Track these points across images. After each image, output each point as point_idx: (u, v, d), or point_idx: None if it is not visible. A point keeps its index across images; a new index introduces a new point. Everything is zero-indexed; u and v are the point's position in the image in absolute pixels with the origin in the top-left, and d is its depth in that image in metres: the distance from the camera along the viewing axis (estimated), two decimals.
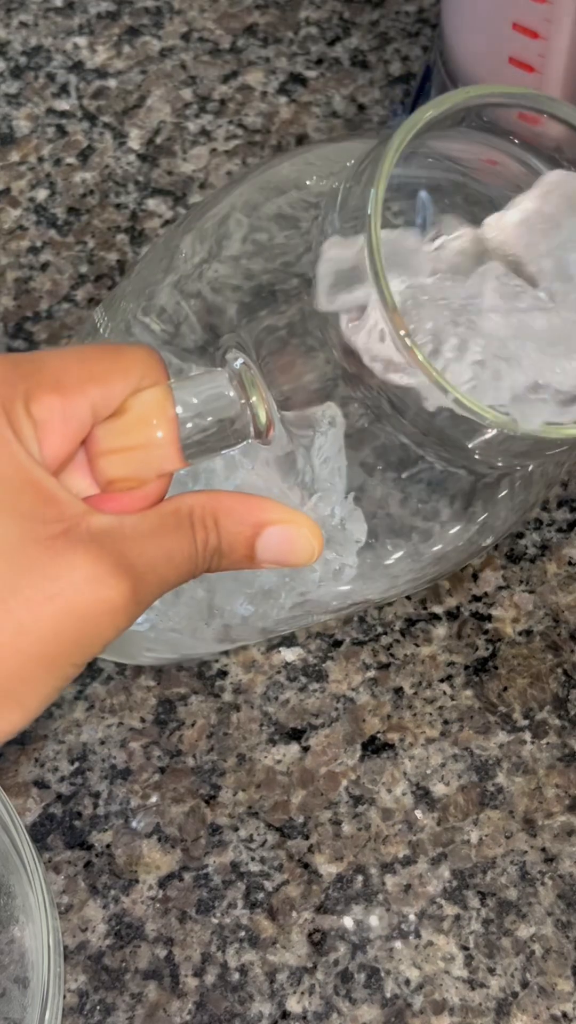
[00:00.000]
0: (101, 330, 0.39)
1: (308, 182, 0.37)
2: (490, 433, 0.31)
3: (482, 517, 0.38)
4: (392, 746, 0.47)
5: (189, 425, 0.32)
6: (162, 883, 0.45)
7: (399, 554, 0.39)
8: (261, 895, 0.44)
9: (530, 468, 0.37)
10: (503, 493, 0.38)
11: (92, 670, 0.48)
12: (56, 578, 0.29)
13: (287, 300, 0.35)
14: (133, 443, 0.32)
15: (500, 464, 0.34)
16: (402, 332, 0.30)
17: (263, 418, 0.33)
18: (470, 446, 0.32)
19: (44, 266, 0.57)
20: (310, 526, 0.33)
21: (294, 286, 0.35)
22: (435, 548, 0.39)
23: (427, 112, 0.33)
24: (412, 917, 0.44)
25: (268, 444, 0.34)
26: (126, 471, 0.32)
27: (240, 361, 0.33)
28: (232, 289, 0.36)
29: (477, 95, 0.33)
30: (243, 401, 0.33)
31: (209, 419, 0.32)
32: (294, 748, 0.46)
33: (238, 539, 0.32)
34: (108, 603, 0.30)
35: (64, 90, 0.61)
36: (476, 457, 0.33)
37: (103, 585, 0.30)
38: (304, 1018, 0.43)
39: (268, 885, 0.44)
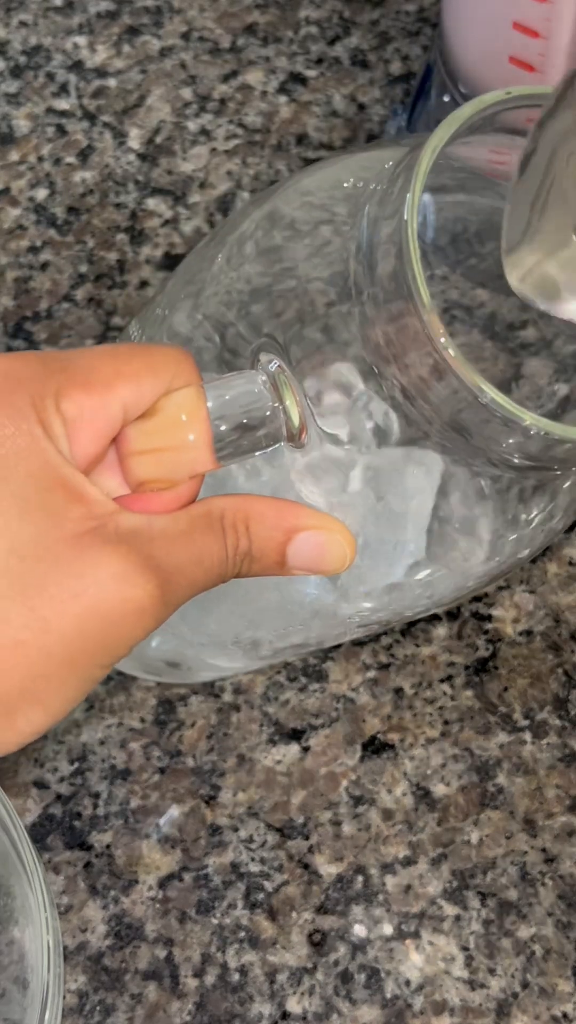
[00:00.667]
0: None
1: (345, 184, 0.36)
2: (526, 434, 0.31)
3: (517, 533, 0.38)
4: (392, 746, 0.47)
5: (223, 427, 0.32)
6: (162, 883, 0.45)
7: (440, 571, 0.38)
8: (261, 895, 0.44)
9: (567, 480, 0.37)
10: (539, 506, 0.38)
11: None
12: (81, 576, 0.29)
13: (319, 304, 0.35)
14: (164, 444, 0.31)
15: (537, 467, 0.34)
16: (440, 333, 0.30)
17: (296, 420, 0.33)
18: (504, 445, 0.32)
19: (44, 266, 0.57)
20: (343, 532, 0.32)
21: (323, 289, 0.35)
22: (478, 564, 0.38)
23: (465, 111, 0.32)
24: (412, 917, 0.44)
25: (301, 447, 0.34)
26: (157, 472, 0.31)
27: (274, 363, 0.33)
28: (265, 295, 0.36)
29: (517, 95, 0.33)
30: (276, 404, 0.32)
31: (243, 420, 0.32)
32: (294, 748, 0.46)
33: (269, 544, 0.32)
34: (135, 602, 0.29)
35: (64, 89, 0.61)
36: (515, 460, 0.33)
37: (130, 584, 0.29)
38: (304, 1019, 0.43)
39: (268, 885, 0.44)
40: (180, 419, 0.31)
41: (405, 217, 0.31)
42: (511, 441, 0.31)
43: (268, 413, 0.32)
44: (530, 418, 0.30)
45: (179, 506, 0.32)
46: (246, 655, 0.41)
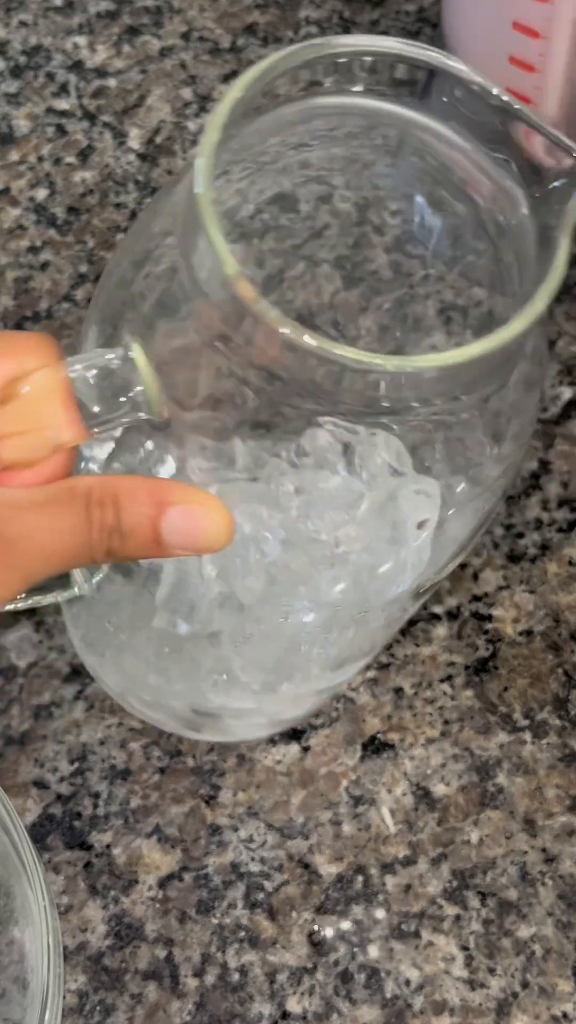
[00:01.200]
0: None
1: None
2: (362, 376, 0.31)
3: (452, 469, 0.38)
4: (392, 746, 0.47)
5: (86, 402, 0.32)
6: (162, 883, 0.45)
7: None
8: (261, 895, 0.44)
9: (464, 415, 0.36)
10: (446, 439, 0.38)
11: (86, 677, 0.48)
12: None
13: (173, 301, 0.35)
14: (28, 426, 0.32)
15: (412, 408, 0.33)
16: (251, 298, 0.30)
17: (153, 393, 0.33)
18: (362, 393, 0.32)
19: (44, 265, 0.57)
20: (216, 507, 0.32)
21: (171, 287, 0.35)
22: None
23: (269, 61, 0.33)
24: (412, 917, 0.44)
25: (163, 422, 0.34)
26: (22, 453, 0.32)
27: (131, 346, 0.33)
28: (132, 302, 0.37)
29: (326, 45, 0.33)
30: (133, 377, 0.33)
31: (105, 394, 0.32)
32: (294, 748, 0.46)
33: (140, 520, 0.32)
34: None
35: (64, 89, 0.61)
36: (384, 405, 0.32)
37: None
38: (304, 1018, 0.43)
39: (268, 885, 0.44)
40: (40, 398, 0.32)
41: (197, 190, 0.31)
42: (350, 385, 0.31)
43: (128, 384, 0.32)
44: (342, 350, 0.30)
45: (42, 481, 0.32)
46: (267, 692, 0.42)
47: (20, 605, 0.40)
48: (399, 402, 0.32)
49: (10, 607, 0.39)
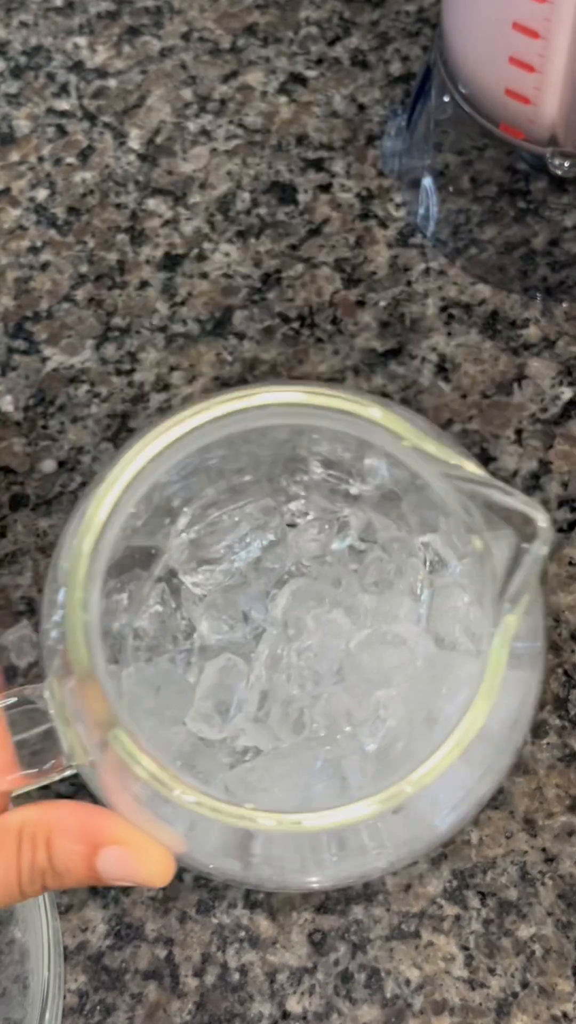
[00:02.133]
0: None
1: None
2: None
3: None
4: None
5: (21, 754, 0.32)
6: None
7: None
8: (261, 895, 0.44)
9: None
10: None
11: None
12: None
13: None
14: None
15: None
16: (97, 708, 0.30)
17: (73, 743, 0.32)
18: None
19: (44, 266, 0.57)
20: (152, 850, 0.31)
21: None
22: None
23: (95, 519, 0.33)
24: (412, 917, 0.44)
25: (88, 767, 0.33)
26: None
27: (43, 691, 0.33)
28: None
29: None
30: (50, 728, 0.32)
31: (34, 744, 0.32)
32: None
33: (73, 858, 0.31)
34: None
35: (64, 90, 0.61)
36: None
37: None
38: (304, 1018, 0.43)
39: None
40: None
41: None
42: None
43: (50, 736, 0.32)
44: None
45: None
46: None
47: None
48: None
49: None
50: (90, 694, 0.30)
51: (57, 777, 0.32)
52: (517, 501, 0.30)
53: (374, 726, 0.37)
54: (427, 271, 0.56)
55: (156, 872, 0.31)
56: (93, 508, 0.33)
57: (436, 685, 0.37)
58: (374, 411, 0.34)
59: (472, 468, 0.32)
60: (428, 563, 0.38)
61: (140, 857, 0.31)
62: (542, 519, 0.30)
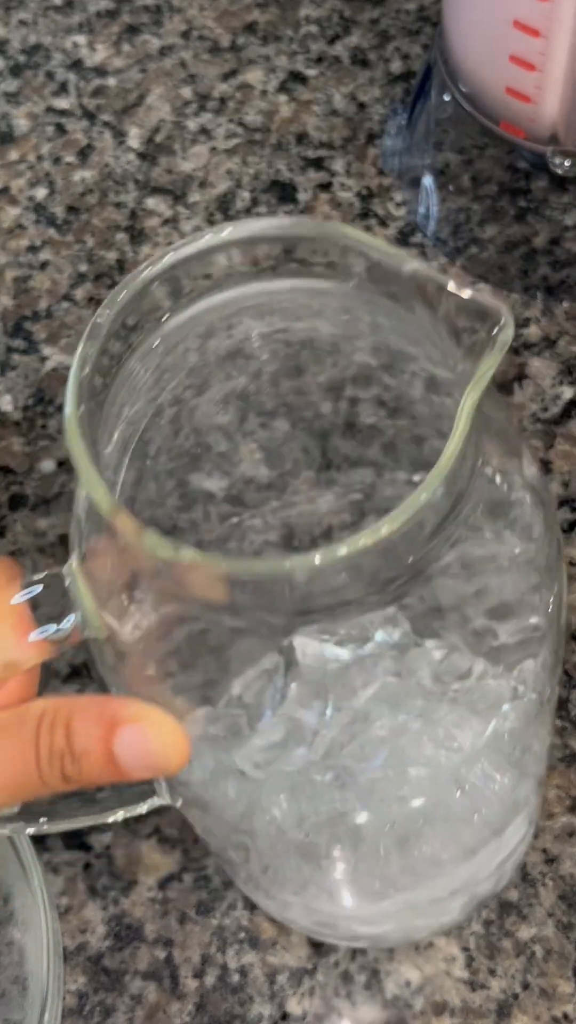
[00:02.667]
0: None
1: None
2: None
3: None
4: None
5: (40, 624, 0.31)
6: (162, 884, 0.44)
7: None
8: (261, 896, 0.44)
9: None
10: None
11: (93, 670, 0.48)
12: None
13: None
14: None
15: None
16: (129, 525, 0.29)
17: (91, 612, 0.32)
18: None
19: (43, 265, 0.57)
20: (169, 726, 0.31)
21: None
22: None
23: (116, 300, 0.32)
24: None
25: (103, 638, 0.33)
26: None
27: (71, 565, 0.32)
28: None
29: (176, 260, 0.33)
30: (73, 600, 0.32)
31: (52, 612, 0.31)
32: None
33: (91, 741, 0.31)
34: None
35: (63, 88, 0.61)
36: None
37: None
38: (304, 1019, 0.42)
39: None
40: None
41: (67, 411, 0.31)
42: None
43: (70, 605, 0.32)
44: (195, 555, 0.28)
45: (9, 702, 0.32)
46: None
47: (109, 819, 0.38)
48: (334, 596, 0.30)
49: (76, 825, 0.37)
50: (123, 526, 0.30)
51: (71, 647, 0.32)
52: (483, 296, 0.31)
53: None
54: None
55: (169, 750, 0.31)
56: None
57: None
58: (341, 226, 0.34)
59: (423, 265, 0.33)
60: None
61: (155, 731, 0.31)
62: (505, 311, 0.30)
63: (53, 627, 0.31)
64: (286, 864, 0.39)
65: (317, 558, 0.27)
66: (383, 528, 0.27)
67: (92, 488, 0.30)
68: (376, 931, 0.42)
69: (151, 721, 0.31)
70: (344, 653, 0.39)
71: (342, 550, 0.27)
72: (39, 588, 0.31)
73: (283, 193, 0.58)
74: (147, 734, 0.31)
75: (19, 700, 0.32)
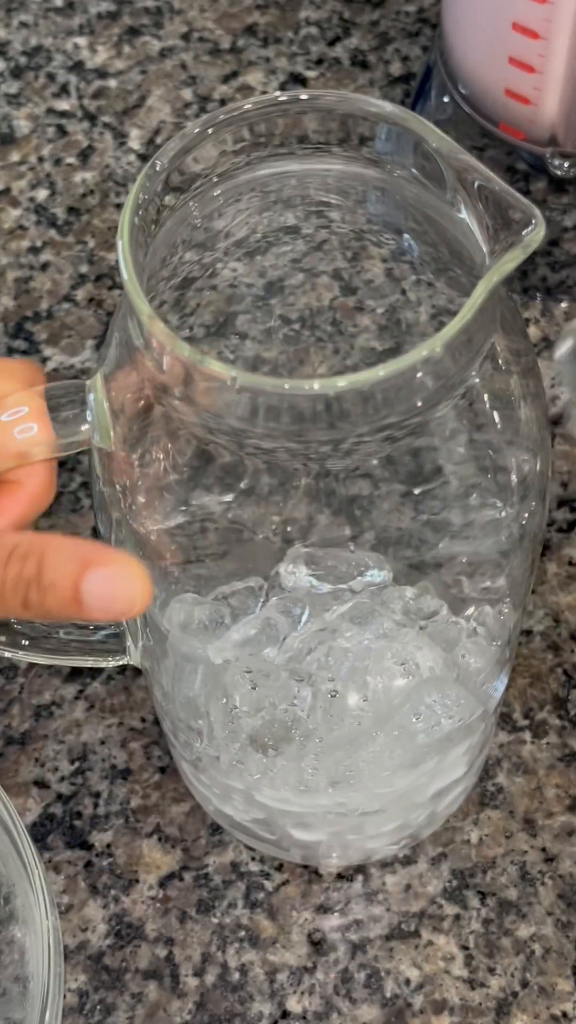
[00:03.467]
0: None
1: None
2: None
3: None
4: None
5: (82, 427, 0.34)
6: (162, 883, 0.45)
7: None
8: (261, 895, 0.44)
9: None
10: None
11: (92, 670, 0.48)
12: None
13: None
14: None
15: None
16: (164, 337, 0.30)
17: (105, 425, 0.34)
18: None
19: (44, 266, 0.57)
20: (137, 573, 0.32)
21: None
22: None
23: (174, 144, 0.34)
24: (412, 917, 0.44)
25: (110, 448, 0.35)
26: None
27: (96, 378, 0.34)
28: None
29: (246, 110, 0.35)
30: (85, 403, 0.34)
31: (67, 416, 0.33)
32: None
33: (62, 576, 0.32)
34: None
35: (64, 90, 0.61)
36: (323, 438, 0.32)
37: None
38: (304, 1018, 0.43)
39: (268, 885, 0.44)
40: (16, 412, 0.33)
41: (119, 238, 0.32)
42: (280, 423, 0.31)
43: (84, 413, 0.34)
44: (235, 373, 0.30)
45: (29, 500, 0.34)
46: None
47: (79, 663, 0.41)
48: (345, 422, 0.31)
49: (41, 660, 0.40)
50: (157, 330, 0.31)
51: (80, 449, 0.34)
52: (519, 197, 0.33)
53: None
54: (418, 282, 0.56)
55: (134, 595, 0.32)
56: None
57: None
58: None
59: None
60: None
61: (124, 578, 0.32)
62: (538, 214, 0.32)
63: (67, 427, 0.33)
64: (236, 750, 0.40)
65: (334, 382, 0.29)
66: (388, 368, 0.30)
67: (134, 295, 0.31)
68: (309, 839, 0.43)
69: (122, 566, 0.32)
70: (326, 586, 0.41)
71: (355, 378, 0.29)
72: (60, 389, 0.33)
73: None
74: (116, 579, 0.32)
75: (42, 495, 0.34)
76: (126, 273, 0.31)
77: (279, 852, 0.44)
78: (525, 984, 0.43)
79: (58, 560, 0.32)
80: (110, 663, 0.40)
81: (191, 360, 0.30)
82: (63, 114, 0.61)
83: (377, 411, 0.31)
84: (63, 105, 0.61)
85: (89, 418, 0.33)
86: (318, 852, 0.44)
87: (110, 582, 0.32)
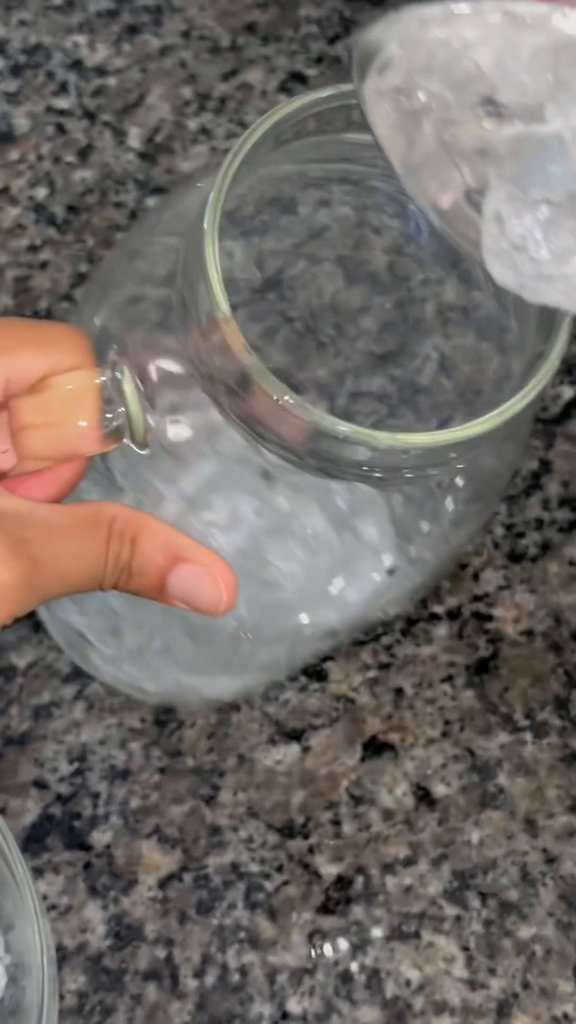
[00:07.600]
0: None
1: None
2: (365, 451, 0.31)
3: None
4: (392, 747, 0.46)
5: (108, 415, 0.32)
6: (162, 884, 0.44)
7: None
8: (261, 896, 0.44)
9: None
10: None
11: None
12: None
13: (152, 319, 0.35)
14: (54, 420, 0.32)
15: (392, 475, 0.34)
16: (241, 345, 0.30)
17: (138, 422, 0.33)
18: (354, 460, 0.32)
19: (43, 264, 0.57)
20: (225, 577, 0.32)
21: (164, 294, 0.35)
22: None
23: (270, 118, 0.34)
24: (413, 918, 0.44)
25: (144, 450, 0.34)
26: (45, 448, 0.32)
27: (122, 370, 0.33)
28: (125, 305, 0.37)
29: (323, 97, 0.34)
30: (118, 400, 0.33)
31: (120, 410, 0.32)
32: (294, 748, 0.46)
33: (151, 565, 0.32)
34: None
35: (63, 88, 0.61)
36: (364, 471, 0.33)
37: None
38: (304, 1019, 0.42)
39: (268, 886, 0.44)
40: (71, 398, 0.32)
41: (204, 226, 0.31)
42: (350, 456, 0.31)
43: (113, 409, 0.32)
44: (348, 428, 0.30)
45: (61, 487, 0.33)
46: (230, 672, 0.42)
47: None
48: (390, 471, 0.32)
49: None
50: (229, 334, 0.30)
51: (115, 446, 0.33)
52: None
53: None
54: (425, 280, 0.56)
55: (219, 599, 0.32)
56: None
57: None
58: None
59: None
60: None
61: (212, 581, 0.32)
62: None
63: (112, 423, 0.32)
64: None
65: (397, 439, 0.30)
66: (496, 418, 0.31)
67: (214, 288, 0.31)
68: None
69: (211, 566, 0.32)
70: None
71: (424, 439, 0.30)
72: (111, 378, 0.32)
73: None
74: (203, 579, 0.32)
75: (72, 483, 0.33)
76: (213, 273, 0.31)
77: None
78: (526, 985, 0.43)
79: (151, 547, 0.32)
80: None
81: (266, 383, 0.30)
82: (62, 112, 0.60)
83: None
84: (62, 103, 0.61)
85: (118, 417, 0.33)
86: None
87: (196, 581, 0.32)
